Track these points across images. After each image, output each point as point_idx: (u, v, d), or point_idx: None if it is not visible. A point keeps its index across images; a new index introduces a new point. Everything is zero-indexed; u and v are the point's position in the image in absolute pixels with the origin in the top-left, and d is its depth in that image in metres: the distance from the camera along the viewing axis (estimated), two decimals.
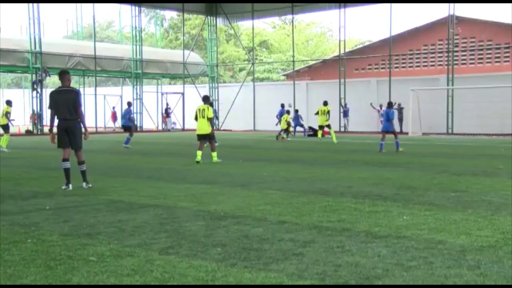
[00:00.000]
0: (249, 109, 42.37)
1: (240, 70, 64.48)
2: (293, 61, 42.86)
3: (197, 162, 14.52)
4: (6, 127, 20.70)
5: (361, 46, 49.78)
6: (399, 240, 5.51)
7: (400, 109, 34.44)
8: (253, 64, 45.86)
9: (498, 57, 37.42)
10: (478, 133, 31.82)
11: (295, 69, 43.36)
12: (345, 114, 37.05)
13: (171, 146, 22.89)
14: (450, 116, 33.90)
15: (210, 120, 14.90)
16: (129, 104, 22.81)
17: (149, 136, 33.06)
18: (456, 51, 36.76)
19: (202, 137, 15.11)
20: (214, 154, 15.02)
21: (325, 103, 25.18)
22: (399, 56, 39.64)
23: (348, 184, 10.07)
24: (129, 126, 21.85)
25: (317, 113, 25.30)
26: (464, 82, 33.84)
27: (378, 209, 7.37)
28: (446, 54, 36.43)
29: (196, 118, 15.04)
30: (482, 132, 31.80)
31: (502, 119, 31.96)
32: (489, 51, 37.46)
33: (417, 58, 40.19)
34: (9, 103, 20.85)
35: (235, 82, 56.51)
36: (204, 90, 44.82)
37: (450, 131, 33.62)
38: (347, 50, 40.49)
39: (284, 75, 53.22)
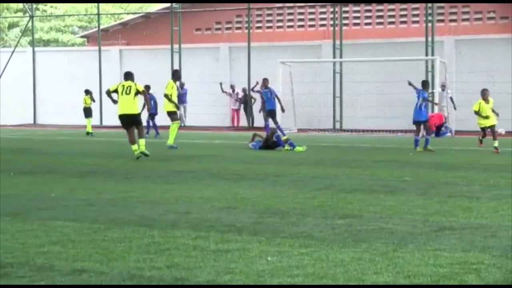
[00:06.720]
0: (26, 91, 41.20)
1: (11, 27, 62.63)
2: (98, 14, 42.37)
3: None
4: None
5: None
6: None
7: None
8: (31, 17, 44.65)
9: (405, 16, 39.51)
10: (377, 129, 32.94)
11: (102, 27, 42.92)
12: (181, 99, 37.10)
13: None
14: (338, 103, 35.04)
15: None
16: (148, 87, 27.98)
17: None
18: (346, 6, 38.24)
19: None
20: None
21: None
22: (262, 9, 40.55)
23: (184, 208, 10.16)
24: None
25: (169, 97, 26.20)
26: (358, 51, 35.07)
27: (229, 246, 7.51)
28: (331, 9, 37.73)
29: None
30: (383, 127, 32.92)
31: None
32: (392, 7, 39.35)
33: (289, 14, 41.33)
34: None
35: (2, 47, 54.68)
36: None
37: (338, 125, 34.80)
38: None
39: (83, 36, 52.48)
